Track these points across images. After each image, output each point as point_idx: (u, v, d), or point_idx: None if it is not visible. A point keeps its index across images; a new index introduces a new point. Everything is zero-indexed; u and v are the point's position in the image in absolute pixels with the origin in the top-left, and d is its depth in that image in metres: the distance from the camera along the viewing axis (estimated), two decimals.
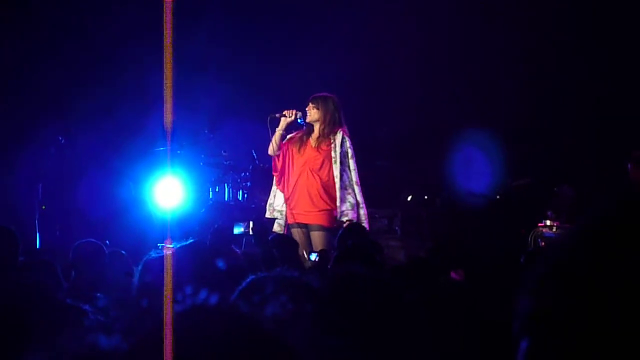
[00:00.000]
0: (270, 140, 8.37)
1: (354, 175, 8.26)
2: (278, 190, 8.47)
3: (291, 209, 8.30)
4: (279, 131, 8.33)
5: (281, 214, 8.41)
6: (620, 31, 10.31)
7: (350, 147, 8.22)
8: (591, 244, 1.11)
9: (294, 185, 8.30)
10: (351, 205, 8.18)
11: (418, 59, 11.22)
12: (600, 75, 10.50)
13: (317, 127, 8.26)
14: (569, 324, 1.08)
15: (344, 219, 8.12)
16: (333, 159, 8.18)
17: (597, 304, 1.06)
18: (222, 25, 11.62)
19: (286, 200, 8.37)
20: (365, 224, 8.10)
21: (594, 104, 10.57)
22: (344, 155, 8.20)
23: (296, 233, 8.19)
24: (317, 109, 8.23)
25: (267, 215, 8.55)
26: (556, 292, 1.11)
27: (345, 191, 8.21)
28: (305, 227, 8.22)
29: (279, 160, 8.38)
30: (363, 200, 8.29)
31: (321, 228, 8.12)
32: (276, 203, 8.48)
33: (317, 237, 8.09)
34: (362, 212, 8.24)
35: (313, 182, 8.23)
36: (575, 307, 1.08)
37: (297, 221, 8.26)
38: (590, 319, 1.06)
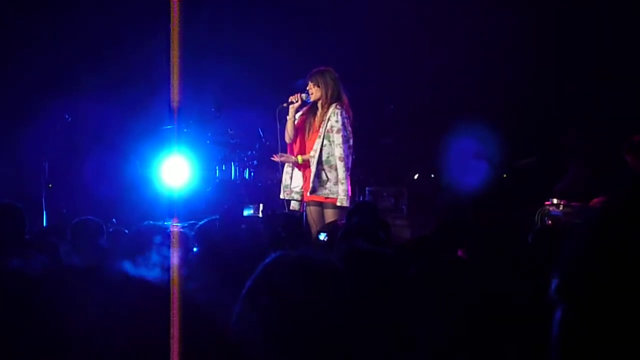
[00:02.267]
0: (279, 130, 8.43)
1: (337, 150, 8.13)
2: (295, 171, 8.44)
3: (307, 188, 8.32)
4: (290, 119, 8.34)
5: (300, 195, 8.41)
6: (622, 18, 10.27)
7: (337, 121, 8.11)
8: (620, 220, 1.17)
9: (307, 168, 8.32)
10: (321, 182, 8.14)
11: (425, 34, 11.18)
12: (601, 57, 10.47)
13: (319, 103, 8.29)
14: (601, 294, 1.14)
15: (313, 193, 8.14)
16: (322, 133, 8.18)
17: (626, 276, 1.10)
18: (229, 3, 11.59)
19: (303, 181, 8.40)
20: (345, 202, 8.06)
21: (596, 82, 10.54)
22: (329, 130, 8.19)
23: (312, 211, 8.23)
24: (318, 85, 8.25)
25: (283, 196, 8.53)
26: (588, 265, 1.17)
27: (320, 166, 8.16)
28: (321, 206, 8.25)
29: (295, 146, 8.40)
30: (347, 176, 8.16)
31: (334, 206, 8.15)
32: (293, 184, 8.46)
33: (330, 215, 8.13)
34: (342, 188, 8.11)
35: None
36: (607, 278, 1.13)
37: (312, 199, 8.28)
38: (621, 289, 1.12)
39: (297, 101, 8.30)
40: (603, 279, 1.15)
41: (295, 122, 8.36)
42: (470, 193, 10.15)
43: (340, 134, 8.10)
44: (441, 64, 11.10)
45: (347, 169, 8.18)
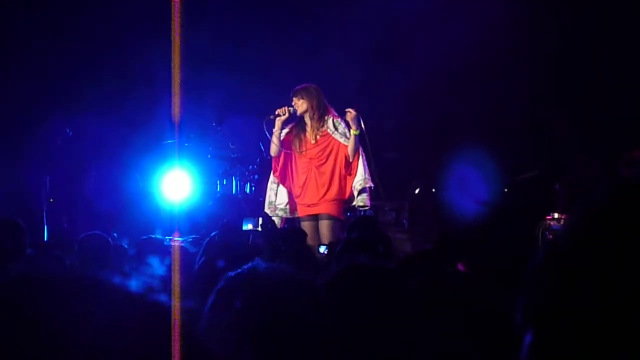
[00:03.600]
0: (270, 142, 8.46)
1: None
2: (280, 188, 8.48)
3: (302, 204, 8.34)
4: (276, 131, 8.37)
5: (285, 212, 8.44)
6: (621, 28, 10.27)
7: (346, 127, 8.29)
8: (587, 234, 1.11)
9: (304, 184, 8.34)
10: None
11: (426, 48, 11.18)
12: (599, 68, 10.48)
13: (307, 117, 8.33)
14: (571, 316, 1.08)
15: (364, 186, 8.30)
16: (343, 141, 8.24)
17: (597, 294, 1.06)
18: (230, 17, 11.61)
19: (295, 197, 8.41)
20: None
21: (593, 96, 10.54)
22: (346, 135, 8.26)
23: (307, 226, 8.22)
24: (303, 98, 8.29)
25: (267, 212, 8.55)
26: (557, 284, 1.10)
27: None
28: (315, 220, 8.26)
29: (278, 162, 8.44)
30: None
31: (329, 217, 8.19)
32: (278, 201, 8.48)
33: (324, 227, 8.14)
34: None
35: (320, 176, 8.30)
36: (576, 298, 1.08)
37: (307, 214, 8.30)
38: (592, 310, 1.06)
39: (284, 114, 8.31)
40: (577, 298, 1.08)
41: (282, 137, 8.39)
42: (470, 211, 10.14)
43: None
44: (443, 76, 11.11)
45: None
